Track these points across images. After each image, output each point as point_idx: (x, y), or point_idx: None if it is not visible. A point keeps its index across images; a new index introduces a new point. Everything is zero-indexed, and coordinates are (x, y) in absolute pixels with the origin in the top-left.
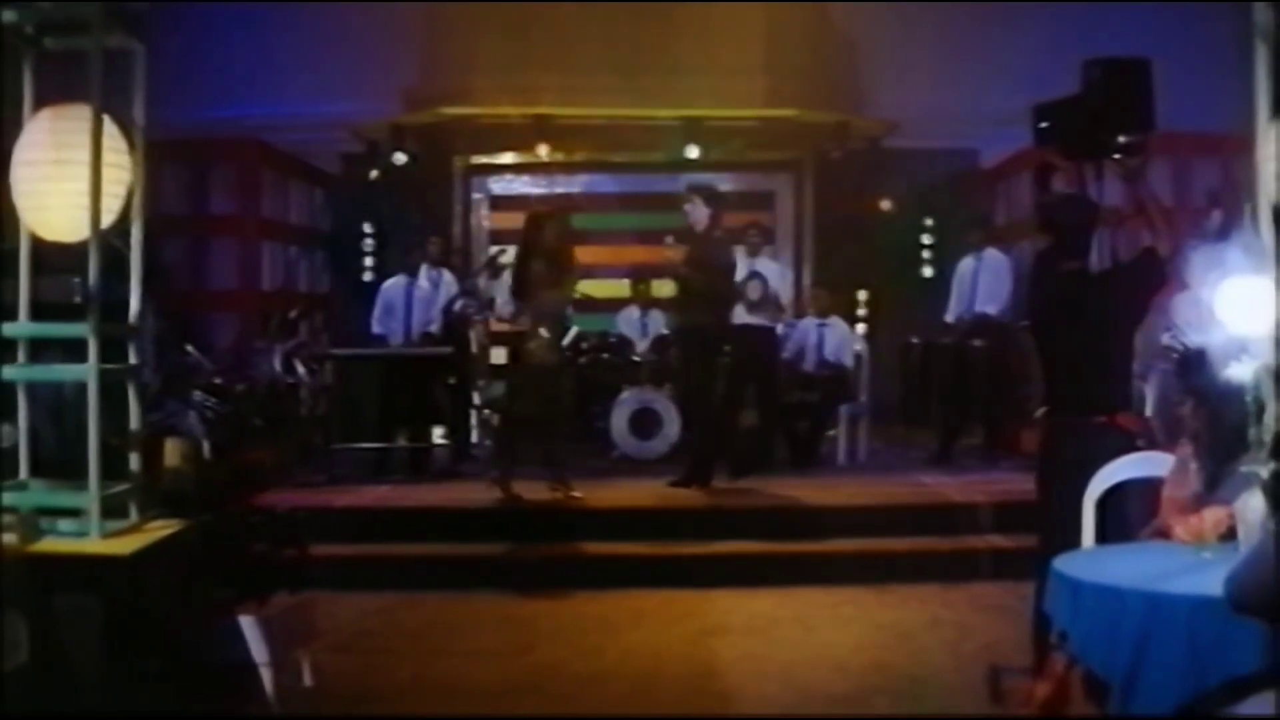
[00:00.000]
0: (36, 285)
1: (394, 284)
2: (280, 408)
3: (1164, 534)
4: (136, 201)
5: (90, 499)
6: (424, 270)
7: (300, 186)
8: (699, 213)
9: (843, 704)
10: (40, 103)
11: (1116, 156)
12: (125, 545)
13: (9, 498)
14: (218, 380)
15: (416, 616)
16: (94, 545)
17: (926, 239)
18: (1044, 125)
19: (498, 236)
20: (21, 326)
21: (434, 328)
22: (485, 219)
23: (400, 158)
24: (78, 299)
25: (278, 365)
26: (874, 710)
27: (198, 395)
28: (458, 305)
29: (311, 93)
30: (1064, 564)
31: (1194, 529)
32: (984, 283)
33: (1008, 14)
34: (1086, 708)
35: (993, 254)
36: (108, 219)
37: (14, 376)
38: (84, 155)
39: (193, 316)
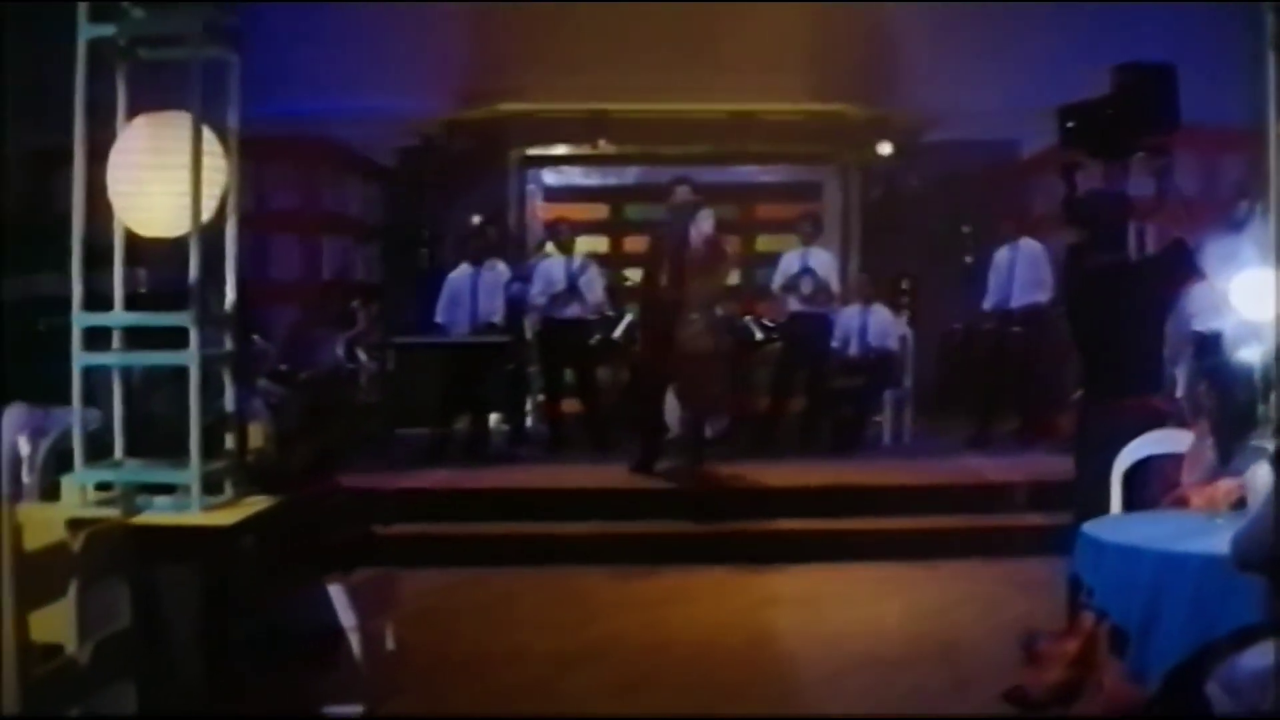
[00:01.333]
0: (104, 278)
1: (459, 274)
2: (342, 394)
3: (1183, 503)
4: (232, 201)
5: (192, 475)
6: (485, 260)
7: (357, 180)
8: (684, 199)
9: (885, 667)
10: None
11: (1143, 155)
12: (225, 517)
13: (112, 474)
14: (282, 367)
15: (480, 592)
16: (196, 517)
17: (966, 228)
18: (1070, 125)
19: (551, 227)
20: (117, 316)
21: (497, 317)
22: (539, 210)
23: (455, 151)
24: (142, 290)
25: (340, 353)
26: (914, 674)
27: (262, 382)
28: (512, 289)
29: (368, 89)
30: (1091, 527)
31: (1208, 498)
32: (1021, 272)
33: (1044, 9)
34: (1111, 661)
35: (1029, 243)
36: (204, 218)
37: (112, 363)
38: (182, 159)
39: (255, 306)
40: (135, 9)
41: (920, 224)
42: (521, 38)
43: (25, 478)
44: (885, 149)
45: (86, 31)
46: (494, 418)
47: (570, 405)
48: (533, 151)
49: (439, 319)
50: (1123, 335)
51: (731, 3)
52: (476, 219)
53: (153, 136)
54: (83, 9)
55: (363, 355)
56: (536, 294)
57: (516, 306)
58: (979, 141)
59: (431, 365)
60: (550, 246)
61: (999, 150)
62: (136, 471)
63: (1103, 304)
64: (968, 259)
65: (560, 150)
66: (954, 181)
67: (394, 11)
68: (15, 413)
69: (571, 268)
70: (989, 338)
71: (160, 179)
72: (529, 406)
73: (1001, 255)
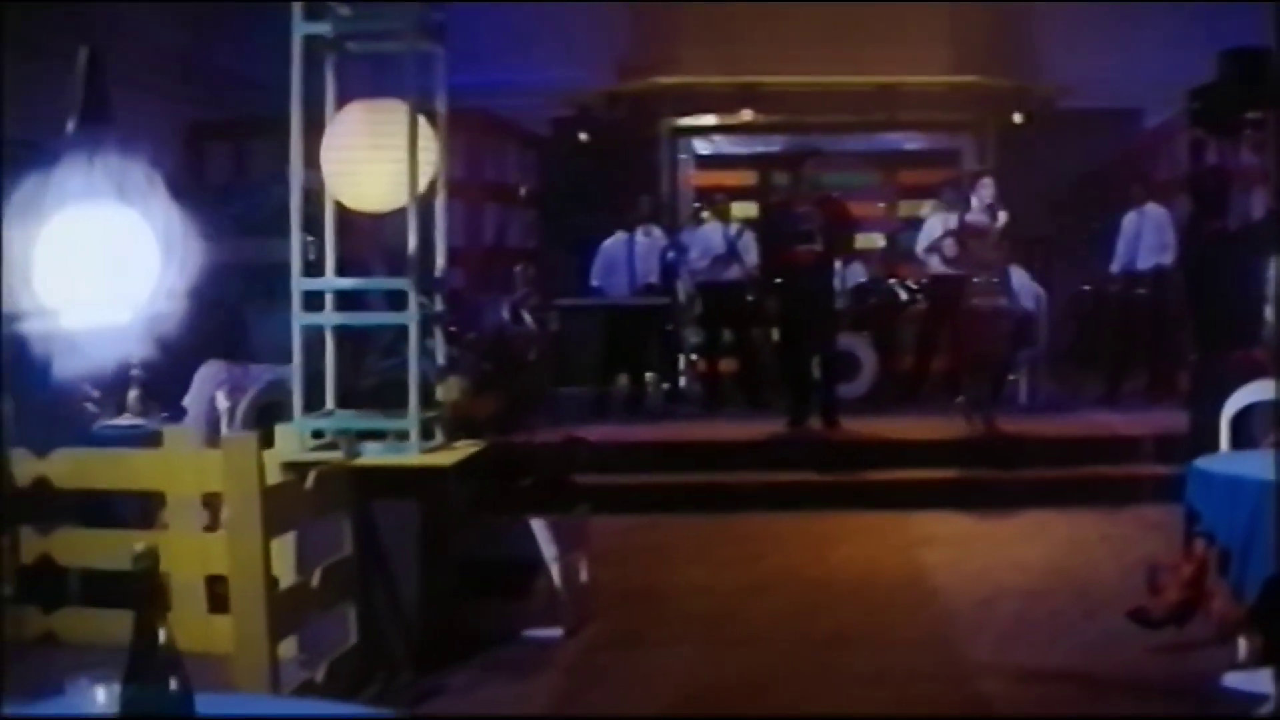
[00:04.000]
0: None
1: (615, 240)
2: (508, 354)
3: None
4: (441, 179)
5: (411, 421)
6: (640, 226)
7: (515, 149)
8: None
9: (1026, 598)
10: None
11: (1250, 133)
12: (443, 459)
13: (331, 422)
14: (452, 329)
15: (654, 534)
16: (416, 459)
17: (1094, 194)
18: (1196, 106)
19: (702, 194)
20: (331, 281)
21: (654, 278)
22: (691, 178)
23: (610, 121)
24: (311, 258)
25: (506, 315)
26: (1053, 602)
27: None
28: (669, 256)
29: (527, 63)
30: (1202, 462)
31: None
32: (1146, 236)
33: None
34: (1220, 583)
35: (1154, 209)
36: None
37: (332, 322)
38: (398, 141)
39: None
40: (342, 7)
41: (1051, 189)
42: (675, 13)
43: (224, 430)
44: (1019, 118)
45: (301, 29)
46: (649, 376)
47: (724, 365)
48: (684, 122)
49: (595, 283)
50: (1229, 295)
51: None
52: (634, 190)
53: (368, 122)
54: (297, 8)
55: (527, 317)
56: (695, 258)
57: (671, 270)
58: (1106, 110)
59: (592, 326)
60: (706, 213)
61: (1125, 119)
62: (354, 419)
63: (1213, 267)
64: (1096, 223)
65: (711, 120)
66: (1083, 149)
67: None
68: (212, 369)
69: (729, 233)
70: (1117, 299)
71: (376, 159)
72: (681, 366)
73: (1129, 220)
